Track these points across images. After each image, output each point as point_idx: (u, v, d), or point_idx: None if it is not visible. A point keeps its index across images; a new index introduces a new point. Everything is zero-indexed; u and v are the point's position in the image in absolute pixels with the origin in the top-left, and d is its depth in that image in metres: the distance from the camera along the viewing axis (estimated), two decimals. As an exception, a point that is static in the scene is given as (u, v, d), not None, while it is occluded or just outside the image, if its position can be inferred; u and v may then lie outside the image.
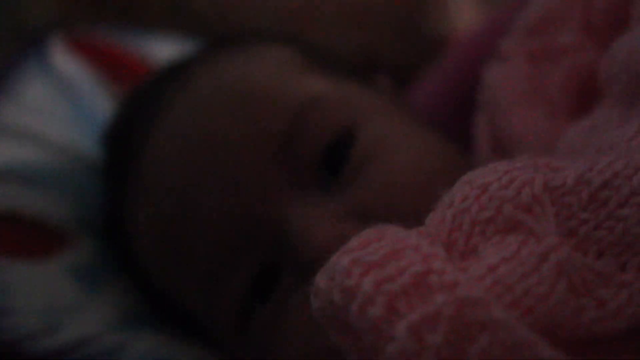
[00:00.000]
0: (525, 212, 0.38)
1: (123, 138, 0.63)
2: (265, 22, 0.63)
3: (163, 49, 0.80)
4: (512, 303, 0.35)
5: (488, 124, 0.57)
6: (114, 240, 0.64)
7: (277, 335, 0.53)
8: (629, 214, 0.37)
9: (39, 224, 0.63)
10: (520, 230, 0.37)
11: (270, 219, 0.53)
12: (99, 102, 0.75)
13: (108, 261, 0.64)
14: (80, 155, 0.69)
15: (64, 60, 0.77)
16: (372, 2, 0.72)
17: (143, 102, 0.63)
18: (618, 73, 0.48)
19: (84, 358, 0.56)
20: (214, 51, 0.64)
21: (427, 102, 0.68)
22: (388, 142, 0.56)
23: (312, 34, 0.64)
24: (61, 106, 0.73)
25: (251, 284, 0.54)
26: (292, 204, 0.53)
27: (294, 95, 0.57)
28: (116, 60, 0.79)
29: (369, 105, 0.60)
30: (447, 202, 0.40)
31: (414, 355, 0.33)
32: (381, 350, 0.34)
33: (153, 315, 0.62)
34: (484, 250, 0.37)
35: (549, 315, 0.35)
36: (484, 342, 0.33)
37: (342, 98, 0.59)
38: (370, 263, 0.36)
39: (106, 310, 0.60)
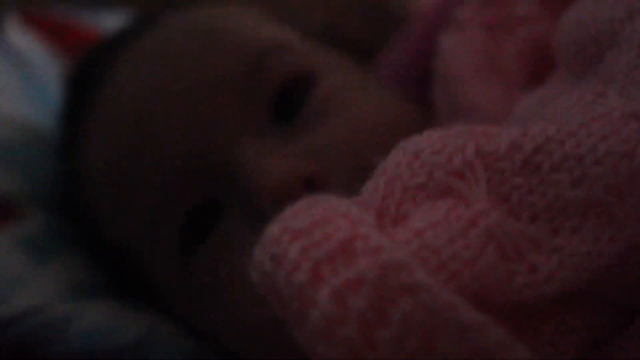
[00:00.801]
0: (456, 177, 0.37)
1: (87, 72, 0.64)
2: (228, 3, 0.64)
3: (119, 24, 0.79)
4: (437, 267, 0.34)
5: (444, 93, 0.56)
6: (66, 188, 0.64)
7: (219, 273, 0.53)
8: (561, 179, 0.36)
9: None
10: (451, 196, 0.37)
11: (221, 154, 0.54)
12: (53, 77, 0.75)
13: (58, 233, 0.64)
14: (32, 129, 0.69)
15: (18, 36, 0.77)
16: (336, -18, 0.72)
17: (111, 40, 0.64)
18: (567, 44, 0.48)
19: (32, 328, 0.56)
20: (184, 3, 0.65)
21: (390, 72, 0.68)
22: (348, 92, 0.57)
23: (277, 13, 0.65)
24: (14, 81, 0.73)
25: (191, 218, 0.54)
26: (244, 141, 0.54)
27: (259, 37, 0.59)
28: (71, 35, 0.79)
29: (332, 60, 0.60)
30: (381, 169, 0.39)
31: (337, 319, 0.33)
32: (306, 316, 0.34)
33: (104, 285, 0.63)
34: (414, 216, 0.37)
35: (477, 279, 0.35)
36: (407, 305, 0.32)
37: (306, 48, 0.60)
38: (298, 230, 0.36)
39: (55, 281, 0.60)
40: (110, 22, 0.81)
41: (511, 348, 0.32)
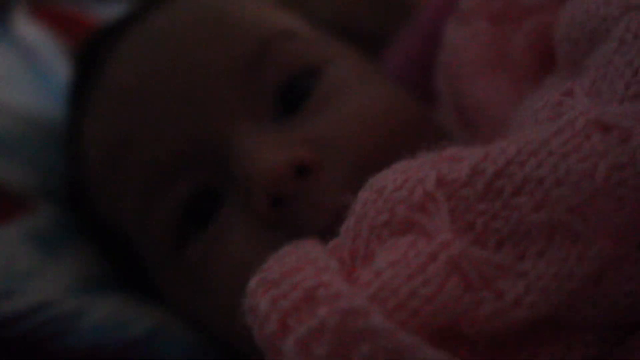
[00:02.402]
0: (417, 211, 0.37)
1: (92, 51, 0.64)
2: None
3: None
4: (396, 307, 0.35)
5: (449, 90, 0.55)
6: (69, 171, 0.65)
7: (214, 263, 0.53)
8: (524, 202, 0.36)
9: None
10: (414, 231, 0.37)
11: (217, 140, 0.54)
12: (62, 69, 0.75)
13: (68, 226, 0.64)
14: (41, 122, 0.69)
15: (27, 28, 0.77)
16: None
17: (119, 20, 0.65)
18: (561, 40, 0.47)
19: (43, 322, 0.57)
20: None
21: (399, 62, 0.67)
22: (352, 83, 0.56)
23: (288, 2, 0.64)
24: (23, 73, 0.73)
25: (187, 205, 0.55)
26: (243, 128, 0.54)
27: (266, 24, 0.59)
28: (78, 26, 0.80)
29: (338, 50, 0.60)
30: (352, 209, 0.40)
31: None
32: None
33: (114, 278, 0.63)
34: (378, 255, 0.37)
35: (440, 314, 0.35)
36: (366, 350, 0.33)
37: (314, 38, 0.60)
38: (270, 281, 0.37)
39: (66, 275, 0.61)
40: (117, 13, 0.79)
41: None
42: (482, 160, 0.38)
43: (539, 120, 0.40)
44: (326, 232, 0.43)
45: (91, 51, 0.64)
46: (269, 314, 0.36)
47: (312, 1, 0.70)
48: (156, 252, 0.57)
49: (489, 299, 0.35)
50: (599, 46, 0.43)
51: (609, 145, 0.36)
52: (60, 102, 0.69)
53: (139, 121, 0.56)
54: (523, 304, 0.35)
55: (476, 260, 0.36)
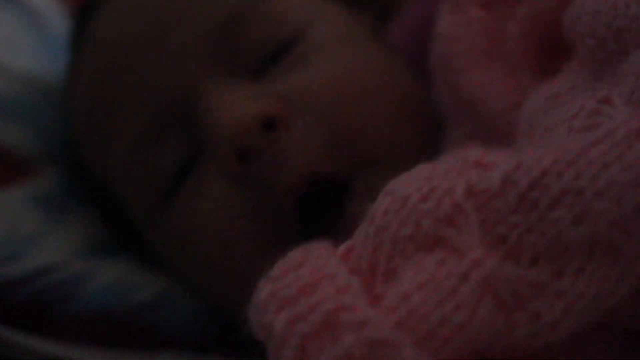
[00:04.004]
0: (446, 225, 0.35)
1: (87, 8, 0.64)
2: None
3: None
4: (427, 336, 0.32)
5: (445, 81, 0.53)
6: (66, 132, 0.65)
7: (192, 220, 0.54)
8: (561, 215, 0.34)
9: (2, 153, 0.62)
10: (442, 246, 0.34)
11: (192, 97, 0.54)
12: (65, 30, 0.73)
13: (74, 190, 0.64)
14: (47, 85, 0.68)
15: None
16: None
17: None
18: (583, 35, 0.44)
19: (48, 286, 0.56)
20: None
21: (403, 36, 0.64)
22: (334, 45, 0.56)
23: None
24: (29, 37, 0.72)
25: (171, 161, 0.55)
26: (216, 84, 0.53)
27: None
28: None
29: (326, 12, 0.59)
30: (370, 216, 0.37)
31: None
32: None
33: (120, 242, 0.62)
34: (403, 273, 0.34)
35: (473, 340, 0.32)
36: (396, 384, 0.31)
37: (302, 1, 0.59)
38: (284, 298, 0.34)
39: (71, 238, 0.60)
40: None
41: None
42: (514, 170, 0.35)
43: (574, 129, 0.37)
44: (291, 192, 0.45)
45: (86, 9, 0.64)
46: (287, 337, 0.33)
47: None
48: (144, 208, 0.57)
49: (523, 321, 0.33)
50: (635, 51, 0.40)
51: None
52: (64, 63, 0.68)
53: (120, 80, 0.57)
54: (561, 326, 0.33)
55: (510, 278, 0.33)
